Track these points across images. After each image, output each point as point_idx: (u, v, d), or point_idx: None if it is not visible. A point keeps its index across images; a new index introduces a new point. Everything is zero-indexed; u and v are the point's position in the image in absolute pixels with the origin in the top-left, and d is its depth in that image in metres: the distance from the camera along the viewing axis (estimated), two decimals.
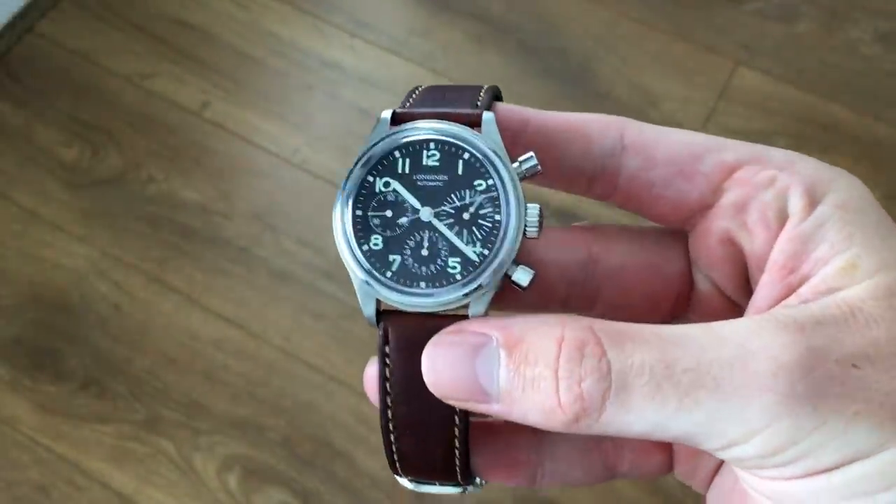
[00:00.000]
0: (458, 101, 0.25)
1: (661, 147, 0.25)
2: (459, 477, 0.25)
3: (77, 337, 1.01)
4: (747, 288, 0.25)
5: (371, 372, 0.24)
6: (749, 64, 1.16)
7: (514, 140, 0.25)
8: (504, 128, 0.25)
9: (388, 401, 0.24)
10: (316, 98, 1.15)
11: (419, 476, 0.25)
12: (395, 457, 0.25)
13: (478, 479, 0.26)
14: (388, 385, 0.24)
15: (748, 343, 0.20)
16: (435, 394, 0.22)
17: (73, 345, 1.00)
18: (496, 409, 0.21)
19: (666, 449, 0.28)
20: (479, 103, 0.25)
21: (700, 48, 1.17)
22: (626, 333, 0.20)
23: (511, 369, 0.21)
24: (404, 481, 0.26)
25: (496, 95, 0.26)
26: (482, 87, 0.25)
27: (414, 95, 0.26)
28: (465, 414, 0.23)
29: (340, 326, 1.00)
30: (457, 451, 0.24)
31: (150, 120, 1.14)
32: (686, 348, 0.20)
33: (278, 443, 0.95)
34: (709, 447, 0.21)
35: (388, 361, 0.23)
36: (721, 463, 0.27)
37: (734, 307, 0.26)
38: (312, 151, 1.11)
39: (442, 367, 0.22)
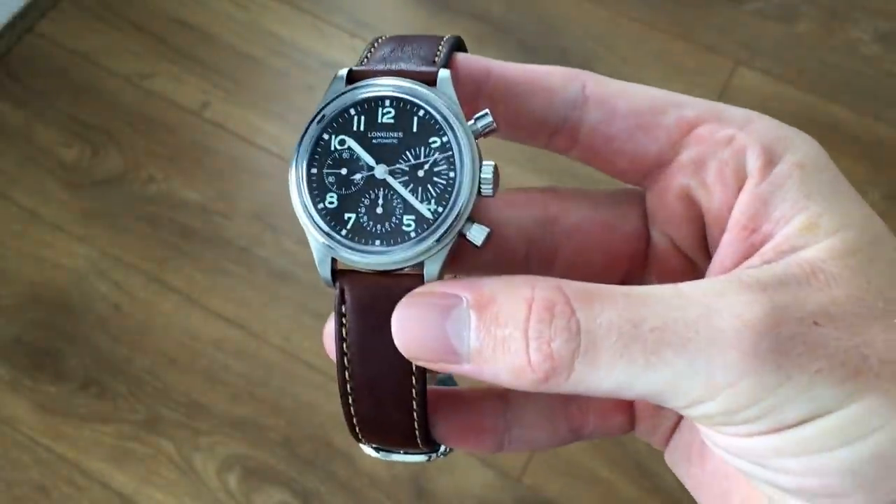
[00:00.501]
0: (416, 57, 0.24)
1: (622, 100, 0.25)
2: (420, 442, 0.25)
3: (77, 337, 1.01)
4: (704, 245, 0.25)
5: (329, 329, 0.24)
6: (749, 64, 1.16)
7: (477, 91, 0.25)
8: (466, 78, 0.25)
9: (345, 361, 0.23)
10: (316, 98, 1.15)
11: (381, 442, 0.25)
12: (355, 420, 0.24)
13: (442, 447, 0.26)
14: (344, 346, 0.23)
15: (713, 302, 0.20)
16: (404, 354, 0.22)
17: (73, 345, 1.00)
18: (467, 368, 0.22)
19: (628, 409, 0.28)
20: (436, 59, 0.24)
21: (700, 48, 1.17)
22: (594, 293, 0.21)
23: (481, 330, 0.21)
24: (368, 449, 0.26)
25: (458, 46, 0.26)
26: (442, 39, 0.25)
27: (374, 46, 0.26)
28: (422, 375, 0.23)
29: None
30: (416, 415, 0.24)
31: (150, 120, 1.14)
32: (653, 308, 0.20)
33: (278, 443, 0.95)
34: (674, 405, 0.21)
35: (344, 322, 0.23)
36: (679, 421, 0.28)
37: (691, 264, 0.26)
38: None
39: (412, 327, 0.22)
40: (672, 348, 0.20)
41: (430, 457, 0.26)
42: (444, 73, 0.24)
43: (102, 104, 1.15)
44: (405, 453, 0.26)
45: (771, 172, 0.23)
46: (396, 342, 0.22)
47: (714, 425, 0.22)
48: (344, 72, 0.24)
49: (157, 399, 0.97)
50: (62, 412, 0.97)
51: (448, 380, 0.27)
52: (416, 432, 0.24)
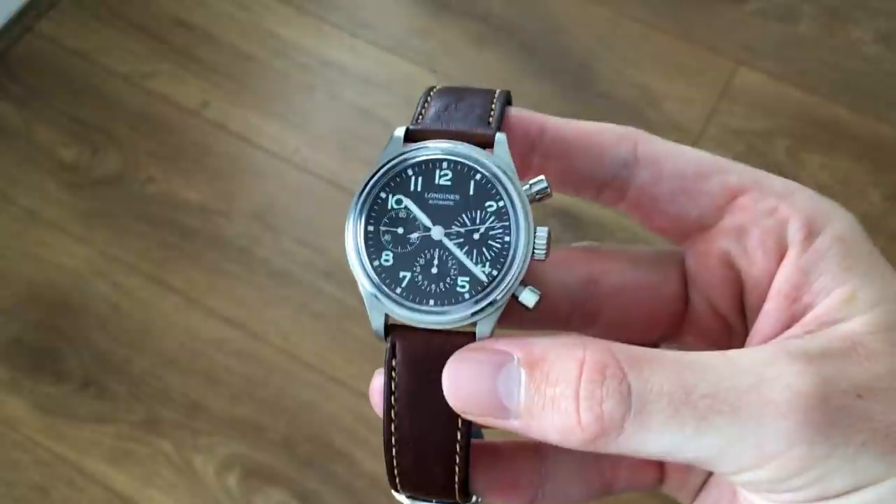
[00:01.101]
0: (472, 116, 0.25)
1: (669, 163, 0.25)
2: (457, 495, 0.25)
3: (77, 337, 1.01)
4: (741, 309, 0.26)
5: (377, 384, 0.25)
6: (750, 64, 1.16)
7: (530, 148, 0.26)
8: (520, 135, 0.26)
9: (392, 414, 0.24)
10: (316, 98, 1.15)
11: (417, 492, 0.26)
12: (396, 471, 0.25)
13: (475, 497, 0.27)
14: (392, 399, 0.24)
15: (763, 371, 0.21)
16: (454, 407, 0.23)
17: (73, 345, 1.00)
18: (515, 424, 0.22)
19: (658, 466, 0.29)
20: (491, 119, 0.25)
21: (701, 48, 1.17)
22: (644, 358, 0.21)
23: (532, 387, 0.22)
24: (401, 497, 0.26)
25: (508, 100, 0.26)
26: (494, 96, 0.26)
27: (428, 99, 0.26)
28: (468, 430, 0.24)
29: (340, 326, 1.00)
30: (457, 469, 0.24)
31: (150, 120, 1.14)
32: (703, 375, 0.21)
33: (278, 443, 0.95)
34: (722, 470, 0.21)
35: (394, 375, 0.24)
36: (707, 478, 0.28)
37: (727, 327, 0.27)
38: (312, 151, 1.11)
39: (464, 381, 0.22)
40: (723, 416, 0.20)
41: None
42: (500, 137, 0.24)
43: (102, 104, 1.15)
44: (437, 502, 0.26)
45: (812, 244, 0.24)
46: (447, 395, 0.23)
47: (760, 492, 0.22)
48: (401, 131, 0.25)
49: (157, 399, 0.97)
50: (62, 412, 0.97)
51: (476, 432, 0.27)
52: (456, 485, 0.25)
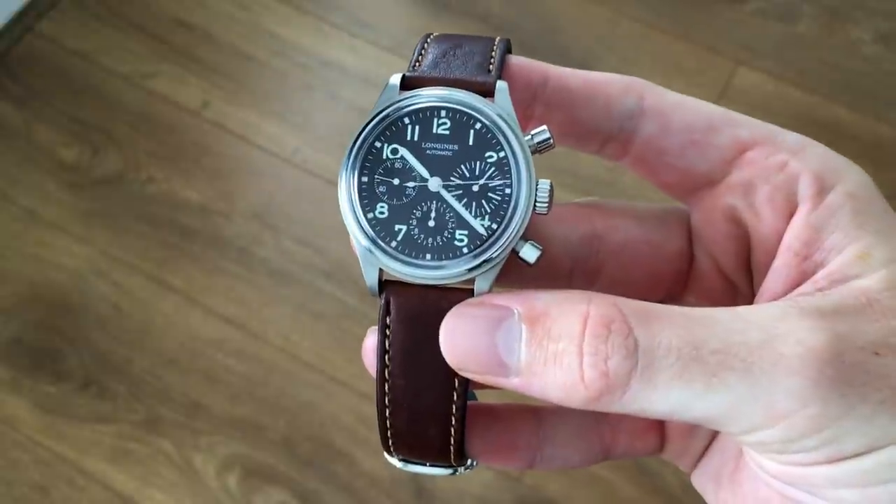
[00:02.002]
0: (471, 63, 0.24)
1: (678, 114, 0.25)
2: (453, 457, 0.24)
3: (77, 337, 1.01)
4: (747, 268, 0.25)
5: (370, 343, 0.24)
6: (750, 64, 1.16)
7: (532, 97, 0.25)
8: (523, 84, 0.25)
9: (386, 373, 0.23)
10: (316, 98, 1.15)
11: (411, 455, 0.25)
12: (389, 433, 0.24)
13: (470, 461, 0.26)
14: (386, 357, 0.23)
15: (774, 327, 0.20)
16: (452, 364, 0.22)
17: (73, 345, 1.00)
18: (515, 382, 0.21)
19: (659, 430, 0.28)
20: (491, 67, 0.24)
21: (701, 48, 1.17)
22: (652, 312, 0.20)
23: (533, 343, 0.21)
24: (393, 460, 0.26)
25: (508, 48, 0.25)
26: (494, 43, 0.25)
27: (425, 46, 0.25)
28: (464, 390, 0.23)
29: (340, 326, 1.00)
30: (453, 430, 0.23)
31: (150, 120, 1.14)
32: (713, 330, 0.20)
33: (278, 443, 0.95)
34: (730, 430, 0.21)
35: (388, 333, 0.23)
36: (710, 444, 0.27)
37: (732, 287, 0.26)
38: (312, 151, 1.11)
39: (461, 337, 0.22)
40: (735, 372, 0.19)
41: (456, 471, 0.26)
42: (501, 85, 0.23)
43: (102, 104, 1.15)
44: (431, 465, 0.25)
45: (823, 201, 0.23)
46: (444, 352, 0.22)
47: (768, 452, 0.21)
48: (397, 78, 0.24)
49: (157, 399, 0.97)
50: (62, 412, 0.97)
51: (470, 394, 0.26)
52: (451, 447, 0.24)
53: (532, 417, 0.27)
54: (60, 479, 0.94)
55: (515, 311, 0.21)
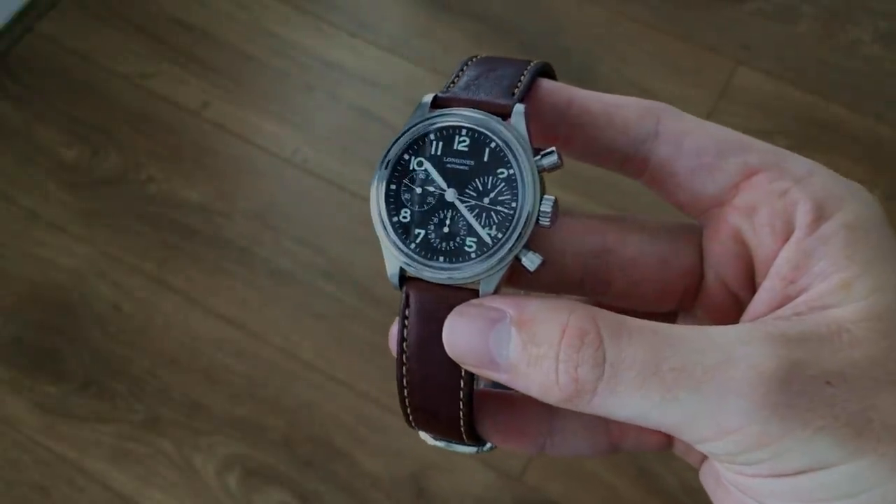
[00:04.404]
0: (498, 86, 0.27)
1: (690, 139, 0.26)
2: (465, 436, 0.27)
3: (77, 337, 1.01)
4: (752, 286, 0.26)
5: (394, 331, 0.27)
6: (749, 64, 1.16)
7: (559, 119, 0.27)
8: (550, 106, 0.27)
9: (404, 358, 0.26)
10: (316, 98, 1.15)
11: (430, 431, 0.28)
12: (409, 409, 0.27)
13: (488, 444, 0.29)
14: (404, 345, 0.26)
15: (734, 351, 0.22)
16: (451, 357, 0.25)
17: (73, 345, 1.00)
18: (503, 378, 0.24)
19: None
20: (516, 90, 0.26)
21: (700, 48, 1.17)
22: (625, 327, 0.22)
23: (519, 346, 0.23)
24: (425, 436, 0.29)
25: (544, 72, 0.28)
26: (526, 67, 0.27)
27: (464, 68, 0.28)
28: (470, 377, 0.26)
29: (340, 326, 1.00)
30: (461, 413, 0.26)
31: (150, 120, 1.14)
32: (676, 348, 0.22)
33: (278, 443, 0.95)
34: (685, 438, 0.23)
35: (406, 323, 0.26)
36: None
37: (738, 304, 0.27)
38: (312, 151, 1.11)
39: (460, 334, 0.24)
40: (686, 390, 0.21)
41: (477, 450, 0.29)
42: (518, 108, 0.26)
43: (102, 104, 1.15)
44: (455, 442, 0.28)
45: (818, 228, 0.24)
46: (446, 346, 0.25)
47: (721, 461, 0.23)
48: (429, 98, 0.27)
49: (157, 399, 0.97)
50: (62, 412, 0.97)
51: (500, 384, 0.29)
52: (462, 427, 0.27)
53: (543, 407, 0.28)
54: (60, 479, 0.94)
55: (508, 314, 0.24)
